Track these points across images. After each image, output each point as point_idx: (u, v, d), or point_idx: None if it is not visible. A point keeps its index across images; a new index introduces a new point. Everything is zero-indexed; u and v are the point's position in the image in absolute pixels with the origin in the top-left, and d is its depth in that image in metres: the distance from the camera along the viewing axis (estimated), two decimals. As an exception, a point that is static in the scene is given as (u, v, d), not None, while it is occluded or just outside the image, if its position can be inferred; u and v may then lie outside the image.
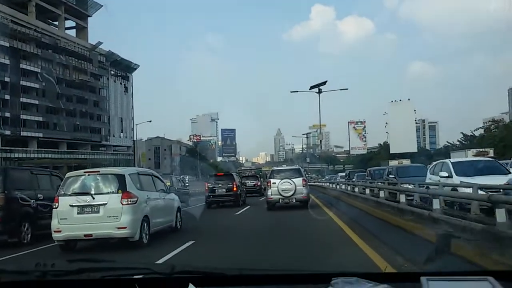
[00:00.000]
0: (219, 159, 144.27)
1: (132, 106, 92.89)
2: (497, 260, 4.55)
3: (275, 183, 17.26)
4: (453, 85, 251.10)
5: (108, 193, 8.65)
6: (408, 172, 18.09)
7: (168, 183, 15.98)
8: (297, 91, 40.60)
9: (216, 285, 1.50)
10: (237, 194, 20.16)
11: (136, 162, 70.06)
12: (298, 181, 17.27)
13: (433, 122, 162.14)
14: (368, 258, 6.49)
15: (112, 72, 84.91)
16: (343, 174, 42.24)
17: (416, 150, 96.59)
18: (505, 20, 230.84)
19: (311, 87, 38.61)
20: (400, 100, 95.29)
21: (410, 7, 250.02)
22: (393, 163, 45.65)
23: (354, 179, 25.15)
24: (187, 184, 28.08)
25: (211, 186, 20.36)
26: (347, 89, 56.00)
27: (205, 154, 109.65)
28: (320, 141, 43.85)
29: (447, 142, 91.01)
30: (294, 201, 17.10)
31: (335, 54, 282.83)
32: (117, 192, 8.58)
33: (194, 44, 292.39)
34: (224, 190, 20.10)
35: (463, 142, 76.51)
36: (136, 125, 65.13)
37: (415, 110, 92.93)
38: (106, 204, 8.45)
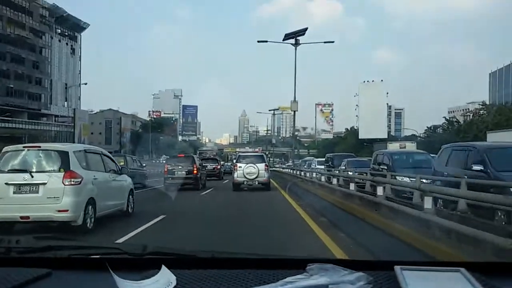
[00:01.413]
0: (180, 138, 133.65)
1: (80, 71, 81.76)
2: (418, 237, 5.93)
3: (241, 167, 19.57)
4: (418, 72, 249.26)
5: (49, 171, 7.94)
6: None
7: (122, 163, 16.65)
8: (266, 41, 31.95)
9: (188, 268, 1.42)
10: (197, 177, 19.98)
11: (76, 135, 59.40)
12: (261, 166, 19.67)
13: (399, 109, 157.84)
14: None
15: (58, 31, 72.69)
16: (315, 160, 36.38)
17: (386, 136, 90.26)
18: (472, 9, 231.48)
19: (286, 36, 30.43)
20: (372, 81, 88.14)
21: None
22: (394, 146, 37.33)
23: (342, 168, 19.83)
24: (144, 165, 26.17)
25: (170, 168, 20.22)
26: (332, 41, 43.73)
27: (163, 131, 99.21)
28: (294, 112, 31.65)
29: (417, 132, 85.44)
30: (256, 183, 19.52)
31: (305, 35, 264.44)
32: (59, 171, 7.89)
33: (159, 13, 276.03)
34: (184, 172, 19.84)
35: (431, 131, 72.05)
36: (80, 88, 54.06)
37: (387, 93, 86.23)
38: (46, 183, 7.76)
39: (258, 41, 31.76)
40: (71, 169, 7.88)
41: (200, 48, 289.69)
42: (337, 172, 16.46)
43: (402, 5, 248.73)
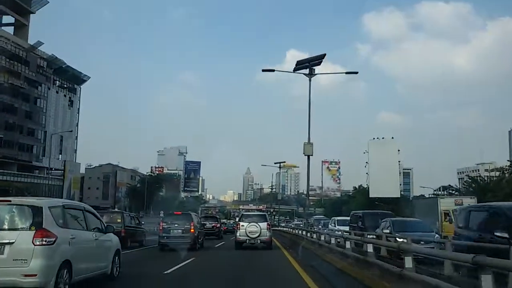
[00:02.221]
0: (183, 194, 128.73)
1: (77, 124, 78.27)
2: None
3: (243, 225, 20.22)
4: (425, 134, 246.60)
5: (18, 229, 7.02)
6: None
7: (119, 220, 18.88)
8: (273, 70, 27.37)
9: None
10: (195, 236, 19.02)
11: (65, 188, 54.58)
12: (263, 225, 20.20)
13: (408, 169, 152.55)
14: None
15: (57, 82, 70.01)
16: (334, 219, 31.96)
17: (399, 195, 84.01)
18: (470, 76, 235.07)
19: (298, 64, 25.03)
20: (383, 138, 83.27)
21: (382, 58, 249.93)
22: (447, 202, 29.50)
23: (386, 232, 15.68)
24: (142, 222, 25.47)
25: (166, 226, 19.09)
26: (356, 72, 28.49)
27: (164, 187, 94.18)
28: (308, 157, 23.44)
29: (436, 191, 79.71)
30: (258, 242, 20.04)
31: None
32: (30, 229, 6.96)
33: (167, 76, 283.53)
34: (180, 231, 18.83)
35: (451, 191, 68.03)
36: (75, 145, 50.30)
37: (399, 150, 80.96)
38: (13, 243, 6.80)
39: (263, 70, 27.68)
40: (43, 227, 6.98)
41: (206, 108, 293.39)
42: (372, 236, 13.78)
43: (402, 70, 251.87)
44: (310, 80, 24.55)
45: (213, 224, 30.78)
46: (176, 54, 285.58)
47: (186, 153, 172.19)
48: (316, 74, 24.77)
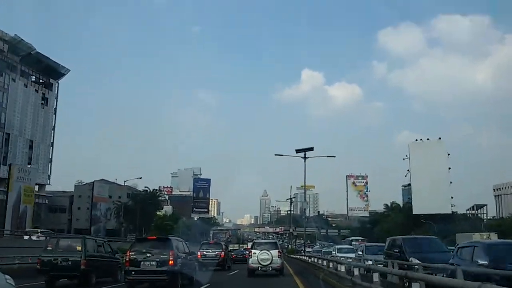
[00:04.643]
0: (191, 215, 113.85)
1: (54, 127, 62.73)
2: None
3: (255, 253, 20.83)
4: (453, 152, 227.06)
5: None
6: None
7: (79, 248, 15.29)
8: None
9: None
10: (175, 271, 13.95)
11: (10, 202, 38.68)
12: (275, 252, 20.80)
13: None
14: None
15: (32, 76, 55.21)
16: (363, 245, 27.82)
17: (450, 211, 65.84)
18: (489, 93, 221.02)
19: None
20: (428, 140, 66.02)
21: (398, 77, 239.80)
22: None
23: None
24: (116, 251, 19.58)
25: (134, 256, 14.04)
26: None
27: (160, 206, 78.67)
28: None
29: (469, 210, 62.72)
30: (270, 269, 20.69)
31: (325, 117, 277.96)
32: None
33: (181, 95, 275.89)
34: (154, 263, 13.83)
35: None
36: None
37: (448, 154, 63.53)
38: None
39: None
40: None
41: (221, 131, 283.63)
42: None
43: (422, 88, 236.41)
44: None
45: (216, 253, 27.44)
46: (190, 73, 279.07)
47: (201, 174, 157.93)
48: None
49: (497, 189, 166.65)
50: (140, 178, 59.55)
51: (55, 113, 66.44)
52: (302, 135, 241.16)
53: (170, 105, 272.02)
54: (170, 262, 13.77)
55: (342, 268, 14.53)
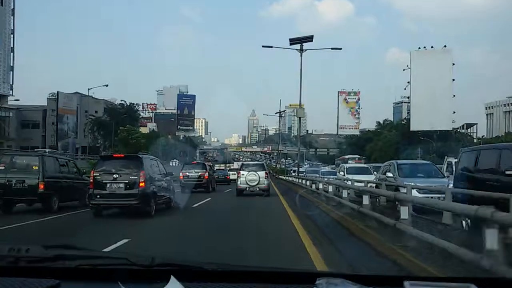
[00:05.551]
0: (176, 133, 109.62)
1: (13, 31, 54.47)
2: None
3: (243, 174, 21.85)
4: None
5: None
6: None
7: (35, 167, 13.48)
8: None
9: (195, 280, 1.49)
10: (147, 194, 12.55)
11: None
12: (262, 173, 21.86)
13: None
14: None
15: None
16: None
17: (451, 128, 61.00)
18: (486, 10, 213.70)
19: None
20: (432, 48, 59.22)
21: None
22: None
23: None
24: (82, 171, 17.99)
25: (98, 178, 12.64)
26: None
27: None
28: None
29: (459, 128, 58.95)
30: (257, 189, 21.53)
31: (314, 33, 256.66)
32: None
33: (166, 13, 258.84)
34: (121, 185, 12.45)
35: None
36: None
37: (453, 64, 57.10)
38: None
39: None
40: None
41: (209, 49, 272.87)
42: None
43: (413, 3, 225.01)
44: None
45: (199, 173, 25.84)
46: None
47: (187, 92, 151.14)
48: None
49: (489, 108, 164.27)
50: (107, 85, 51.88)
51: (13, 15, 57.64)
52: (291, 54, 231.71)
53: (155, 21, 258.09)
54: (141, 184, 12.41)
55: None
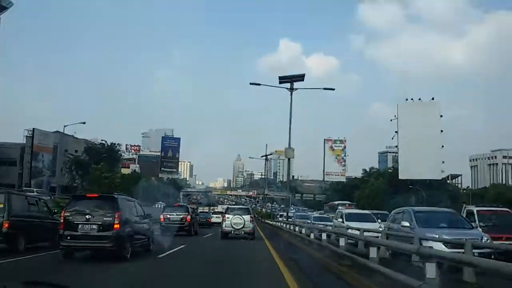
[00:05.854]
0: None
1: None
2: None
3: (229, 218, 22.24)
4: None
5: None
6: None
7: (1, 205, 12.75)
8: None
9: None
10: (121, 236, 11.95)
11: None
12: (247, 217, 22.27)
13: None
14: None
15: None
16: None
17: (440, 178, 60.35)
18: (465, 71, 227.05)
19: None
20: (419, 100, 59.48)
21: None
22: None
23: None
24: (54, 211, 17.60)
25: (69, 218, 11.99)
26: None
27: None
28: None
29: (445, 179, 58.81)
30: (242, 233, 21.88)
31: (302, 85, 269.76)
32: None
33: (155, 56, 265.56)
34: (94, 227, 11.78)
35: None
36: None
37: (441, 116, 57.32)
38: None
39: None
40: None
41: (195, 92, 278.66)
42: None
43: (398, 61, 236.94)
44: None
45: (182, 216, 25.46)
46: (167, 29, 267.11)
47: (172, 136, 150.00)
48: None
49: (473, 160, 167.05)
50: (84, 123, 50.37)
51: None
52: (279, 103, 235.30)
53: (143, 63, 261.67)
54: (116, 226, 11.88)
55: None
